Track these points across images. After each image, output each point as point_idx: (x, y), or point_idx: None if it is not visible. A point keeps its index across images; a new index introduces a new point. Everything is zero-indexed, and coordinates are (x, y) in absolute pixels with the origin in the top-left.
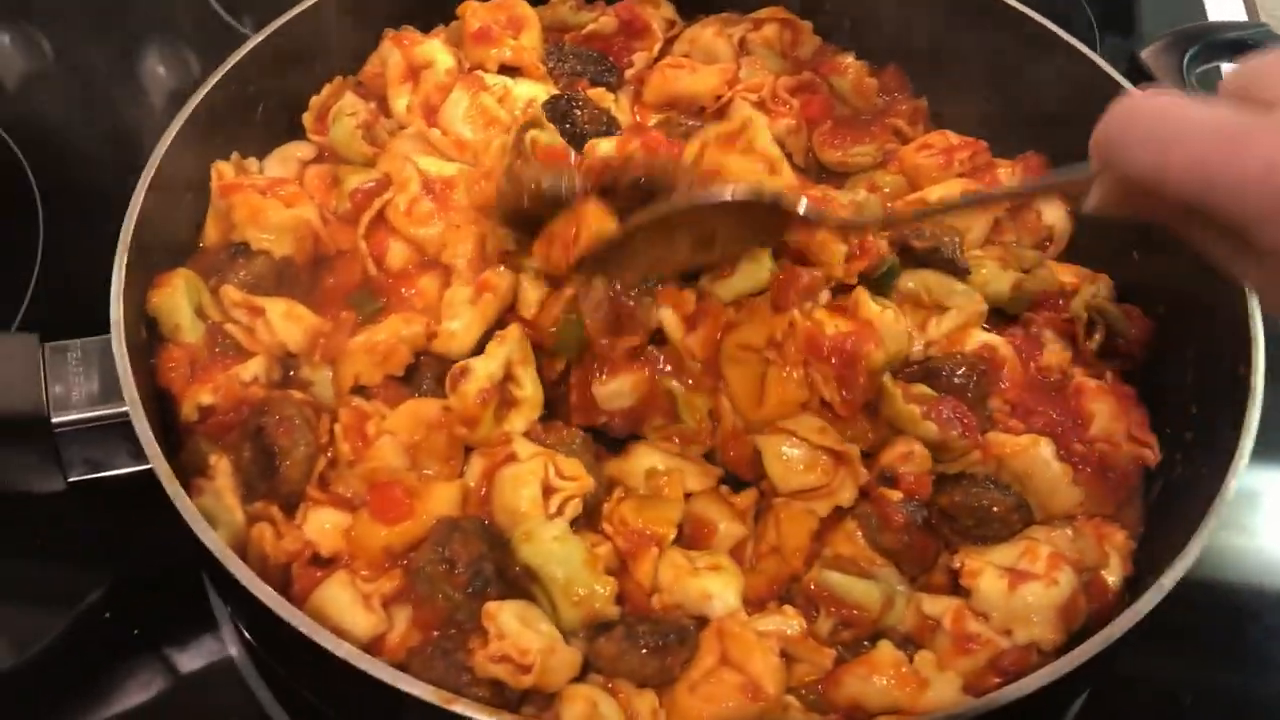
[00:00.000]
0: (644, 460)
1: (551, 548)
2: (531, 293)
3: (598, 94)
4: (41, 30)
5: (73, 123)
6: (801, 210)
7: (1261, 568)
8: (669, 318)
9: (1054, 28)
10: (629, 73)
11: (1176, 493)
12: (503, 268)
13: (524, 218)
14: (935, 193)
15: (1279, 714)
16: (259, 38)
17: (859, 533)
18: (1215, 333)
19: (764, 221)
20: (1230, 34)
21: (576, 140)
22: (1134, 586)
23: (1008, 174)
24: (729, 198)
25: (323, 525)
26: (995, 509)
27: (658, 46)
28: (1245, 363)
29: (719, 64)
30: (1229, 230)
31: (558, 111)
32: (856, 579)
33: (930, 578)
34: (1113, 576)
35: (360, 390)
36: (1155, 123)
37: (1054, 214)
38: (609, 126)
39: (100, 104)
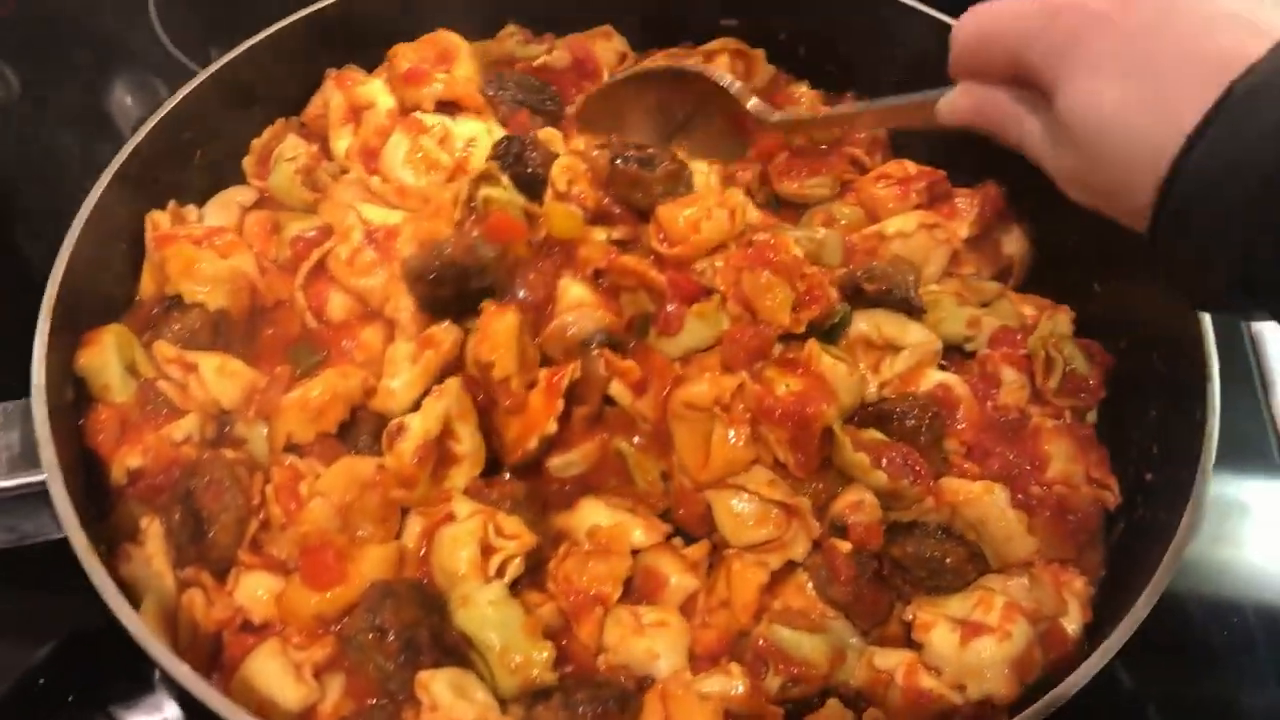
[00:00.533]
0: (591, 515)
1: (487, 613)
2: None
3: (548, 135)
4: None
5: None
6: (749, 106)
7: (1249, 579)
8: (616, 387)
9: None
10: (570, 108)
11: (1138, 534)
12: (448, 322)
13: (437, 298)
14: (893, 225)
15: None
16: (193, 83)
17: (809, 585)
18: (1177, 370)
19: (722, 114)
20: None
21: (528, 184)
22: (1095, 633)
23: (967, 204)
24: (687, 69)
25: (255, 591)
26: (948, 560)
27: None
28: (1202, 407)
29: None
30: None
31: (510, 154)
32: (804, 634)
33: (885, 629)
34: (1072, 625)
35: (295, 448)
36: (970, 13)
37: (1014, 244)
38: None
39: (36, 151)
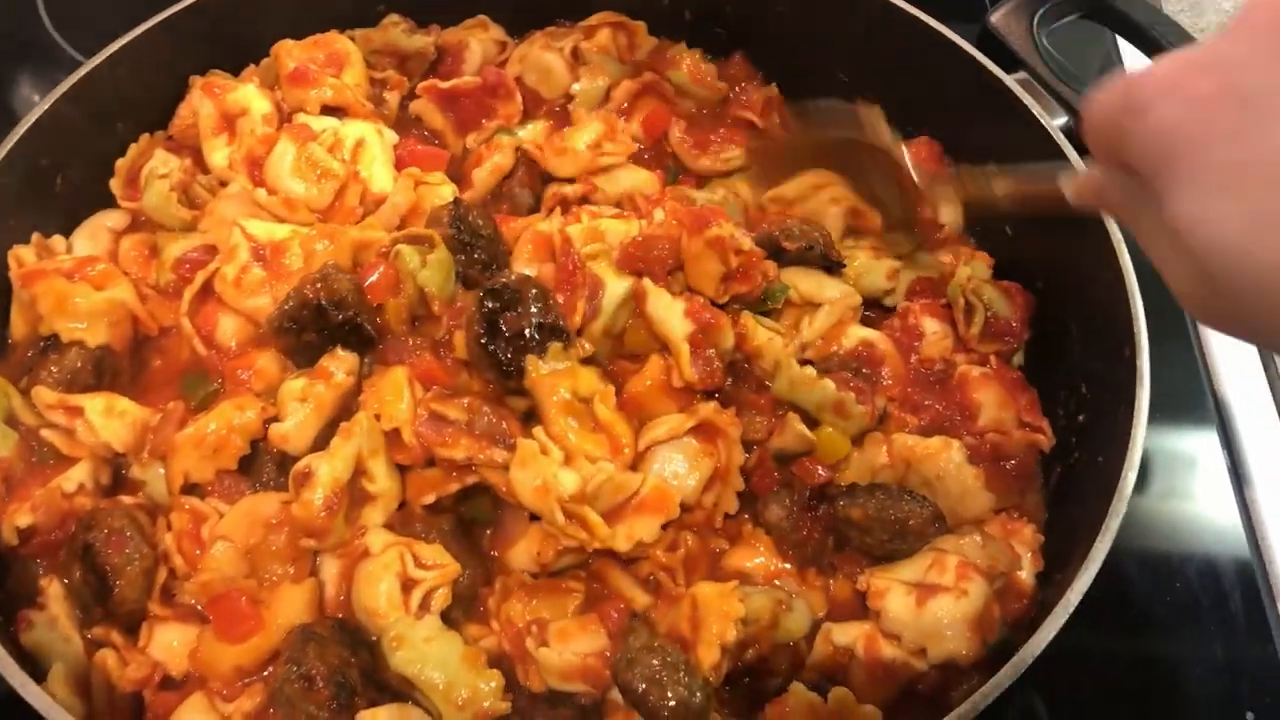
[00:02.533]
0: (525, 549)
1: (424, 650)
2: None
3: None
4: None
5: None
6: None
7: (1190, 533)
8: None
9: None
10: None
11: (1077, 478)
12: (338, 350)
13: (306, 345)
14: (792, 189)
15: (1215, 676)
16: (41, 108)
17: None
18: (1097, 308)
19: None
20: None
21: (464, 247)
22: (1045, 580)
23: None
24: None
25: (170, 644)
26: (911, 521)
27: (517, 117)
28: (1130, 344)
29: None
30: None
31: (456, 216)
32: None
33: (837, 590)
34: (1026, 575)
35: (195, 488)
36: (1106, 92)
37: (950, 213)
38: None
39: None
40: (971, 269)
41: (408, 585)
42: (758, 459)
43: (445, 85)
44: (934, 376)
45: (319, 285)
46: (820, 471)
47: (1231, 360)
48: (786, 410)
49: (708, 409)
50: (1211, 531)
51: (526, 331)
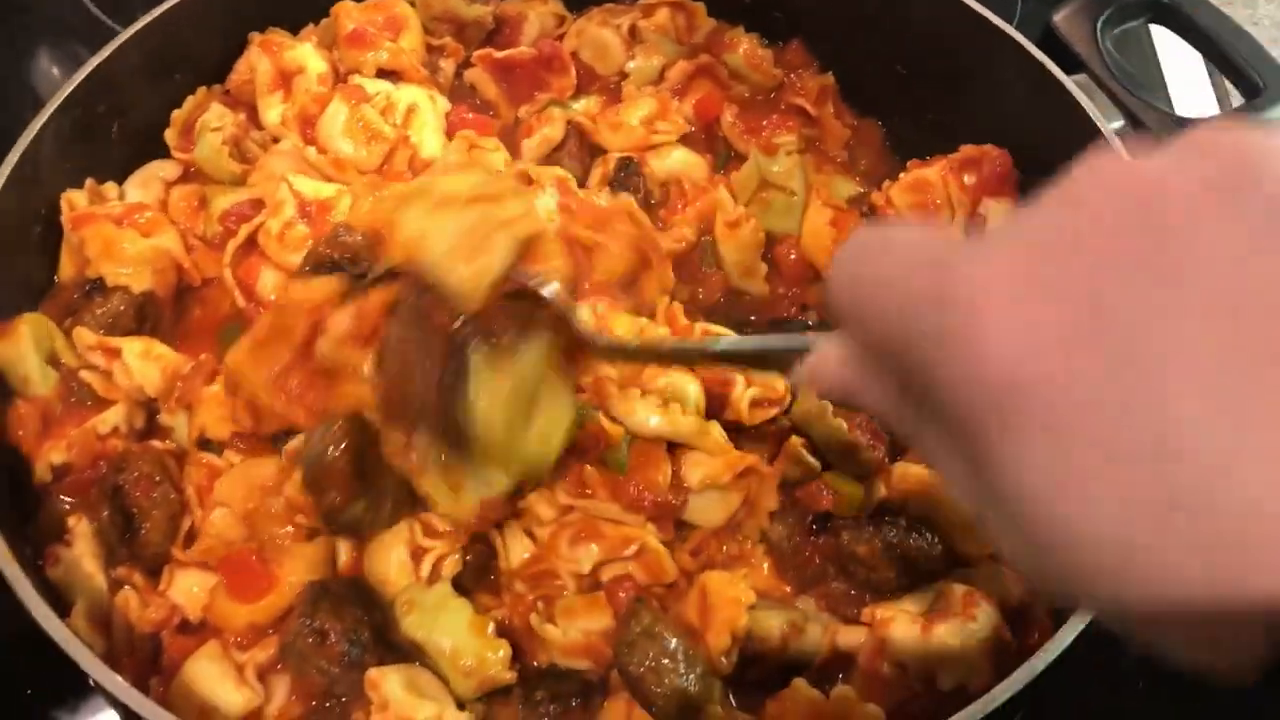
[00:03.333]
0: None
1: (434, 616)
2: None
3: None
4: None
5: None
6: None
7: None
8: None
9: None
10: None
11: None
12: None
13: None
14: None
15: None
16: (105, 53)
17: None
18: None
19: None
20: None
21: None
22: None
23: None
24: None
25: (190, 589)
26: (921, 561)
27: (570, 91)
28: None
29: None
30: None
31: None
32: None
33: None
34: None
35: (212, 444)
36: (836, 263)
37: (1000, 218)
38: None
39: None
40: None
41: (417, 554)
42: None
43: (500, 55)
44: None
45: (332, 243)
46: (825, 494)
47: None
48: (789, 435)
49: (750, 459)
50: None
51: None
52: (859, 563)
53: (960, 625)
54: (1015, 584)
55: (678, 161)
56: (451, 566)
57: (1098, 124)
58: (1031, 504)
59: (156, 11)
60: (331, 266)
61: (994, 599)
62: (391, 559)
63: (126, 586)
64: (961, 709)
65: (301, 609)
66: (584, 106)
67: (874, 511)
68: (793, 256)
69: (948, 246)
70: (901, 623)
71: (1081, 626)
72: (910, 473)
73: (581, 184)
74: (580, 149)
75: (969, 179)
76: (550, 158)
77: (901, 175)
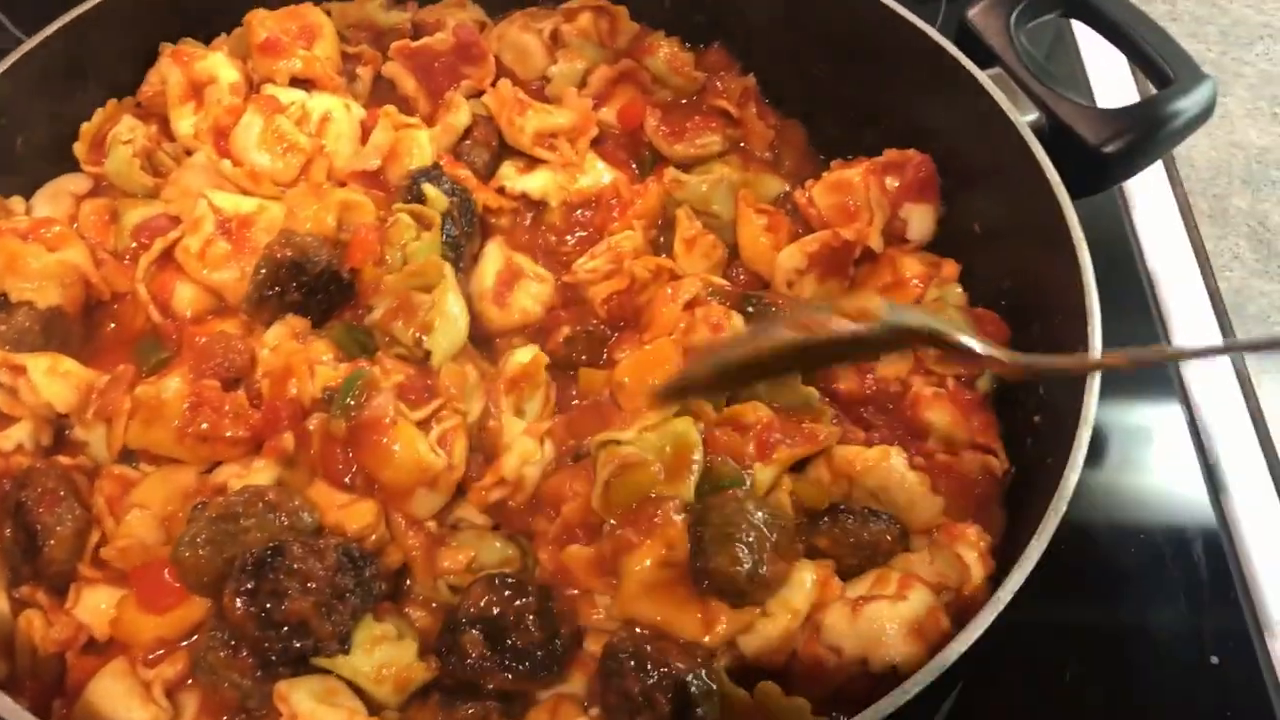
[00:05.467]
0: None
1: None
2: None
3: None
4: None
5: None
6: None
7: (1154, 503)
8: None
9: None
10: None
11: (1027, 478)
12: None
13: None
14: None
15: (1169, 647)
16: (7, 62)
17: None
18: (1056, 308)
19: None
20: None
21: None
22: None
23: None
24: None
25: (98, 606)
26: (883, 542)
27: (488, 80)
28: (1084, 343)
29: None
30: None
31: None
32: None
33: None
34: (976, 580)
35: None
36: None
37: (920, 224)
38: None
39: None
40: (942, 293)
41: None
42: None
43: (416, 44)
44: (887, 396)
45: (284, 244)
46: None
47: (1190, 330)
48: None
49: None
50: (1177, 501)
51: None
52: (820, 554)
53: (889, 606)
54: (952, 565)
55: (589, 181)
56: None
57: (1011, 117)
58: None
59: (63, 20)
60: (292, 267)
61: (932, 583)
62: None
63: (30, 607)
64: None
65: (213, 621)
66: (498, 90)
67: (828, 507)
68: (741, 277)
69: None
70: (835, 607)
71: (995, 614)
72: (852, 454)
73: (489, 175)
74: (488, 133)
75: (891, 182)
76: (458, 147)
77: (824, 175)
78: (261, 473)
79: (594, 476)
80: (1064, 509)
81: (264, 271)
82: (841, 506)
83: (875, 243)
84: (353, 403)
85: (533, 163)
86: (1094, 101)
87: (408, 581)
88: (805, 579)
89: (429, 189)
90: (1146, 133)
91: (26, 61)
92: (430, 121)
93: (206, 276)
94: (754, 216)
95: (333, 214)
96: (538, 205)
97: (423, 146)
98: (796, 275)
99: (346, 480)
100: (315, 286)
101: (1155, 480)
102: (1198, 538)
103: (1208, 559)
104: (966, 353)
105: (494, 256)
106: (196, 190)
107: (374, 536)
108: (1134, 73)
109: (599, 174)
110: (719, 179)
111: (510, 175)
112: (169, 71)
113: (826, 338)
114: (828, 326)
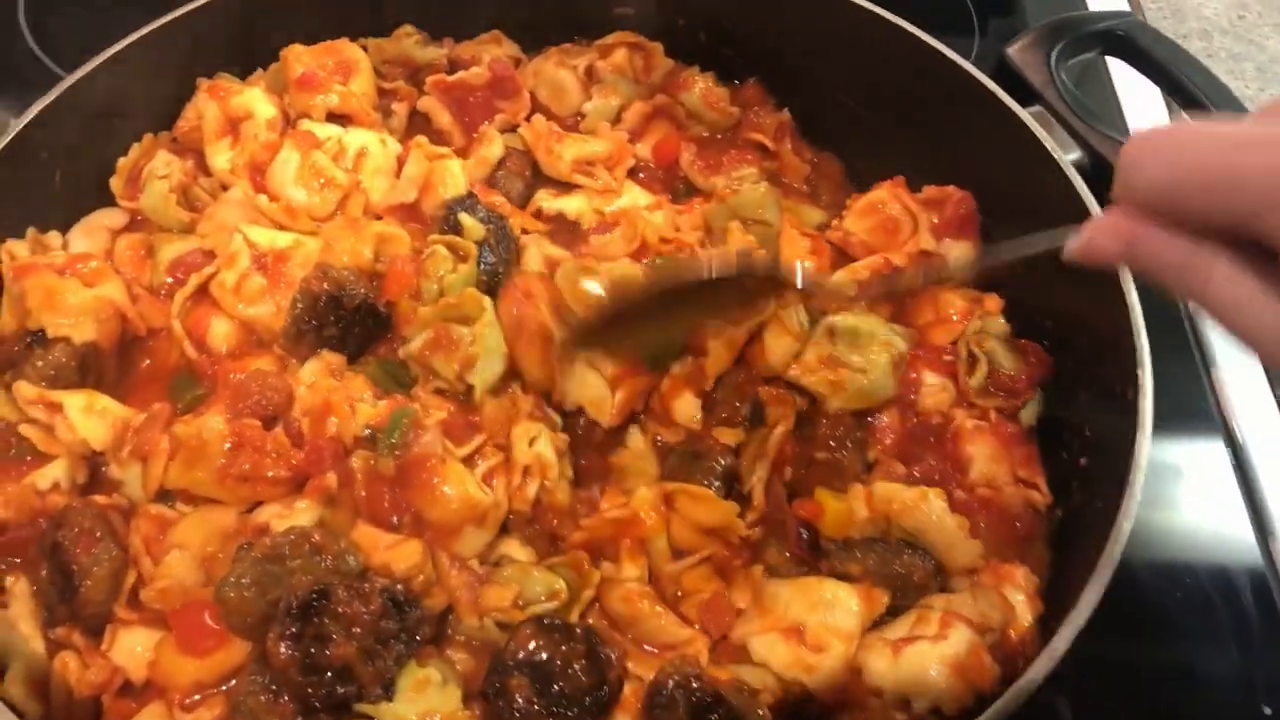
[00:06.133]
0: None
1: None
2: None
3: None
4: None
5: None
6: (799, 282)
7: (1185, 542)
8: None
9: (901, 22)
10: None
11: (1076, 521)
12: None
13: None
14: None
15: (1218, 694)
16: (48, 98)
17: None
18: (1104, 346)
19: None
20: (1098, 25)
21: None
22: (1048, 621)
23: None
24: (718, 271)
25: (134, 648)
26: (915, 576)
27: (523, 115)
28: (1133, 385)
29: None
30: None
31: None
32: None
33: None
34: (1025, 621)
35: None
36: (1167, 139)
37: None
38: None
39: None
40: (984, 324)
41: None
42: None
43: (452, 79)
44: (930, 429)
45: (320, 277)
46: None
47: (1235, 368)
48: None
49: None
50: (1222, 541)
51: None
52: (853, 581)
53: (930, 646)
54: (996, 605)
55: (633, 201)
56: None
57: (1054, 155)
58: None
59: (102, 56)
60: (330, 301)
61: (975, 622)
62: None
63: (66, 649)
64: None
65: (253, 665)
66: (532, 125)
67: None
68: None
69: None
70: (875, 650)
71: (1049, 667)
72: (891, 493)
73: (524, 204)
74: (521, 163)
75: (933, 219)
76: (492, 177)
77: (850, 204)
78: (304, 513)
79: None
80: (1118, 556)
81: (301, 305)
82: (878, 538)
83: (926, 242)
84: (398, 441)
85: (566, 189)
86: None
87: (449, 623)
88: (849, 602)
89: (464, 218)
90: None
91: (66, 98)
92: (464, 155)
93: (242, 311)
94: (799, 237)
95: (369, 247)
96: (572, 225)
97: (456, 176)
98: (847, 302)
99: (394, 520)
100: (352, 320)
101: (1199, 519)
102: (1245, 580)
103: (1257, 602)
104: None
105: (534, 254)
106: (232, 225)
107: (421, 577)
108: (1169, 107)
109: (635, 196)
110: (770, 189)
111: (546, 198)
112: (205, 106)
113: (692, 277)
114: (693, 266)
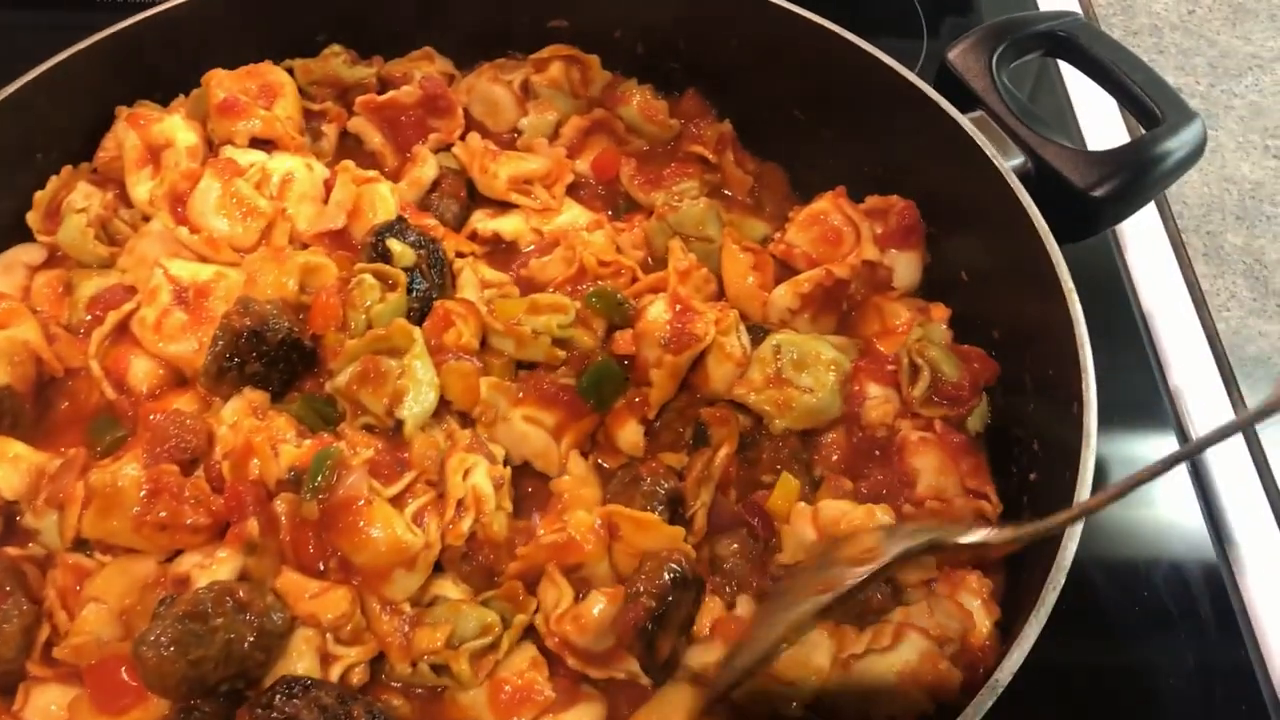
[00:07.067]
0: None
1: None
2: None
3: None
4: None
5: None
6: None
7: (1154, 540)
8: None
9: (839, 29)
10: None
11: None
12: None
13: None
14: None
15: (1171, 685)
16: None
17: None
18: (1049, 359)
19: None
20: (1040, 26)
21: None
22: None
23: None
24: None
25: (48, 707)
26: (873, 603)
27: (457, 133)
28: (1079, 400)
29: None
30: None
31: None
32: None
33: None
34: (984, 628)
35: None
36: None
37: (907, 273)
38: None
39: None
40: (925, 331)
41: (327, 660)
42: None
43: (382, 98)
44: (875, 442)
45: (242, 313)
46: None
47: (1186, 363)
48: None
49: None
50: (1177, 537)
51: None
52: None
53: (879, 658)
54: (953, 615)
55: (572, 220)
56: (360, 676)
57: (994, 161)
58: None
59: (13, 86)
60: (252, 336)
61: (932, 633)
62: (298, 669)
63: None
64: None
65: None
66: (467, 143)
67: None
68: None
69: None
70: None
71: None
72: (838, 513)
73: (459, 227)
74: (457, 184)
75: (876, 229)
76: (426, 199)
77: (792, 216)
78: (226, 563)
79: None
80: (1062, 582)
81: (222, 342)
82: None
83: (870, 252)
84: (323, 483)
85: (504, 209)
86: (1084, 143)
87: (382, 669)
88: (820, 640)
89: (393, 243)
90: (1135, 175)
91: None
92: (398, 177)
93: (163, 349)
94: (739, 254)
95: (293, 278)
96: (510, 247)
97: (386, 200)
98: (790, 315)
99: (320, 565)
100: (276, 356)
101: (1154, 514)
102: (1199, 575)
103: (1210, 595)
104: (973, 548)
105: (469, 278)
106: (153, 259)
107: (349, 626)
108: (1124, 112)
109: (575, 215)
110: (710, 205)
111: (482, 220)
112: (125, 135)
113: (846, 590)
114: (844, 580)
